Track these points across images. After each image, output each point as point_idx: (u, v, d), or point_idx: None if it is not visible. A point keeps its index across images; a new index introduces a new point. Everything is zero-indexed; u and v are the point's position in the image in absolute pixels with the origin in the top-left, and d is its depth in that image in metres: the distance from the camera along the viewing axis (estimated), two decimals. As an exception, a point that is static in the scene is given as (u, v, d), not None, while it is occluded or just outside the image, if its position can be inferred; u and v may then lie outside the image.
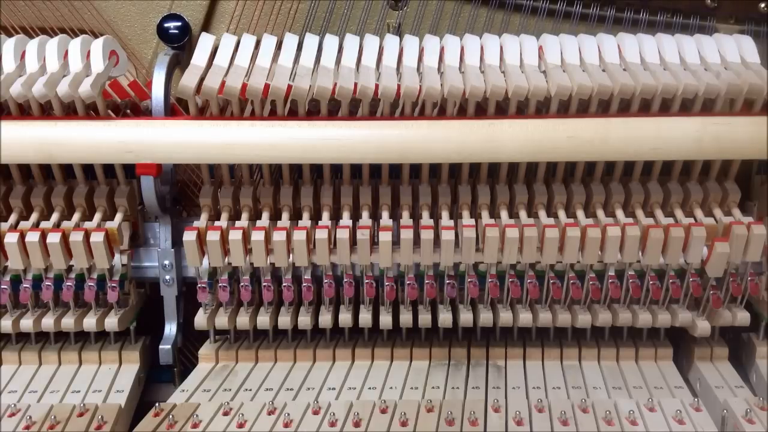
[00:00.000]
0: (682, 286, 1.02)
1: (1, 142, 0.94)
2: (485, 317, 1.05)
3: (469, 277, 1.03)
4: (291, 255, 1.00)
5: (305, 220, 1.02)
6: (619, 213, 1.01)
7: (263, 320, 1.06)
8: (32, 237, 0.97)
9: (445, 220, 1.01)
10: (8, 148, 0.94)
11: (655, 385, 1.02)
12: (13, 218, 1.02)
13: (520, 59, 0.99)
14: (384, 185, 1.06)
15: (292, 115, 1.00)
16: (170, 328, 1.10)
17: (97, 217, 1.03)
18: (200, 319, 1.06)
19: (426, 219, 1.02)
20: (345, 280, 1.04)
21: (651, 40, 1.01)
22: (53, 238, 0.98)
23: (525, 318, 1.05)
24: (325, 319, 1.06)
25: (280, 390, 1.02)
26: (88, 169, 1.05)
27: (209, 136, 0.94)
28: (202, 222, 1.02)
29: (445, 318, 1.05)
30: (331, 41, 1.02)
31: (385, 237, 0.99)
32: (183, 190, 1.13)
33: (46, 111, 1.00)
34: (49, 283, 1.03)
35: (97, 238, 0.98)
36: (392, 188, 1.05)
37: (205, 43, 1.00)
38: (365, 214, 1.03)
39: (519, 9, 1.11)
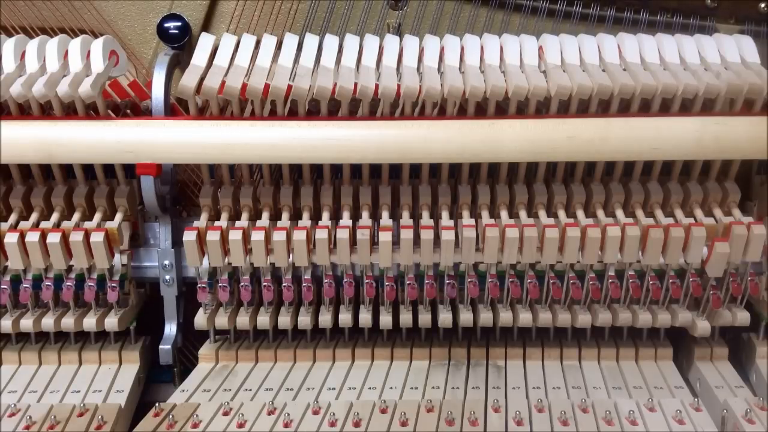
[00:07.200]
0: (682, 286, 1.02)
1: (1, 142, 0.94)
2: (485, 317, 1.05)
3: (469, 277, 1.03)
4: (291, 255, 1.00)
5: (305, 220, 1.02)
6: (619, 213, 1.01)
7: (263, 320, 1.06)
8: (32, 237, 0.97)
9: (445, 220, 1.01)
10: (8, 148, 0.94)
11: (655, 385, 1.02)
12: (13, 218, 1.02)
13: (520, 59, 0.99)
14: (384, 185, 1.06)
15: (292, 115, 1.00)
16: (170, 328, 1.10)
17: (97, 217, 1.03)
18: (200, 319, 1.06)
19: (426, 219, 1.02)
20: (345, 280, 1.04)
21: (651, 40, 1.01)
22: (53, 238, 0.98)
23: (525, 318, 1.05)
24: (325, 319, 1.06)
25: (280, 390, 1.02)
26: (88, 169, 1.05)
27: (209, 136, 0.94)
28: (202, 222, 1.02)
29: (445, 318, 1.05)
30: (331, 41, 1.02)
31: (385, 237, 0.99)
32: (183, 190, 1.13)
33: (46, 111, 1.00)
34: (49, 283, 1.03)
35: (97, 238, 0.98)
36: (392, 188, 1.05)
37: (205, 43, 1.00)
38: (365, 214, 1.03)
39: (519, 9, 1.11)
